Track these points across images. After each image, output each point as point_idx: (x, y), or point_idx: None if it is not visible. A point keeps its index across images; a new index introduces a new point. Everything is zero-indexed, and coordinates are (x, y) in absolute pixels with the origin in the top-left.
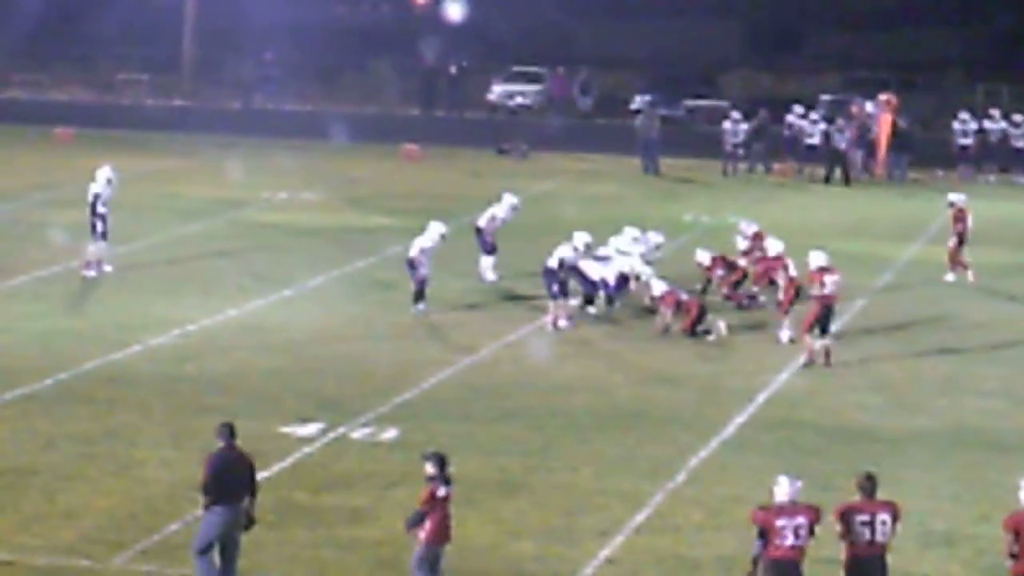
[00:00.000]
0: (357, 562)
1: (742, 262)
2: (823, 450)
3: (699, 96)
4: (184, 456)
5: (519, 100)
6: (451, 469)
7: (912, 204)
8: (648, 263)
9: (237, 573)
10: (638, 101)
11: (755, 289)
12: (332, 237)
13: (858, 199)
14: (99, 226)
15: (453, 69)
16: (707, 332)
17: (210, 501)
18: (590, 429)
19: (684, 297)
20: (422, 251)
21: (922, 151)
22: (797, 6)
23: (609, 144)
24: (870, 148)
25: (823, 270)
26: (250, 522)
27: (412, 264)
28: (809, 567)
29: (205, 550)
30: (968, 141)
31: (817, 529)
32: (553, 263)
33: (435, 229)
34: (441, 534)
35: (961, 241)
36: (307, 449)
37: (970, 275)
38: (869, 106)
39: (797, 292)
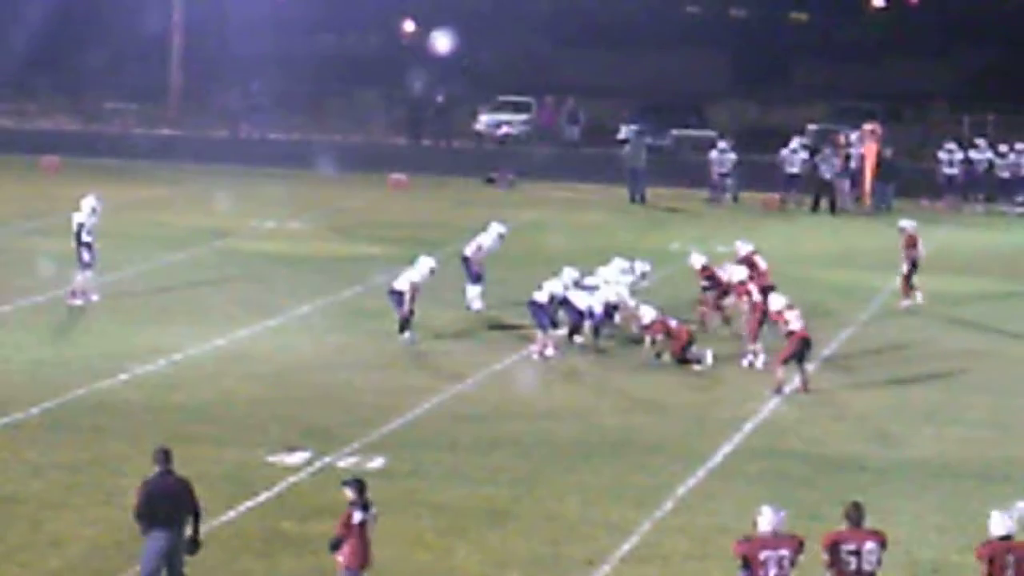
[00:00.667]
0: None
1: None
2: (810, 479)
3: (686, 126)
4: None
5: (506, 129)
6: (369, 495)
7: (896, 234)
8: (635, 292)
9: None
10: (625, 130)
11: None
12: (319, 266)
13: (844, 228)
14: (85, 255)
15: (440, 98)
16: (697, 361)
17: (145, 527)
18: (577, 458)
19: (673, 324)
20: (412, 285)
21: (908, 181)
22: (784, 37)
23: (596, 173)
24: (855, 178)
25: (784, 310)
26: (195, 546)
27: (397, 295)
28: None
29: None
30: (954, 171)
31: (801, 558)
32: (542, 297)
33: (425, 264)
34: (359, 559)
35: (914, 266)
36: (294, 478)
37: (919, 297)
38: (853, 136)
39: (763, 317)
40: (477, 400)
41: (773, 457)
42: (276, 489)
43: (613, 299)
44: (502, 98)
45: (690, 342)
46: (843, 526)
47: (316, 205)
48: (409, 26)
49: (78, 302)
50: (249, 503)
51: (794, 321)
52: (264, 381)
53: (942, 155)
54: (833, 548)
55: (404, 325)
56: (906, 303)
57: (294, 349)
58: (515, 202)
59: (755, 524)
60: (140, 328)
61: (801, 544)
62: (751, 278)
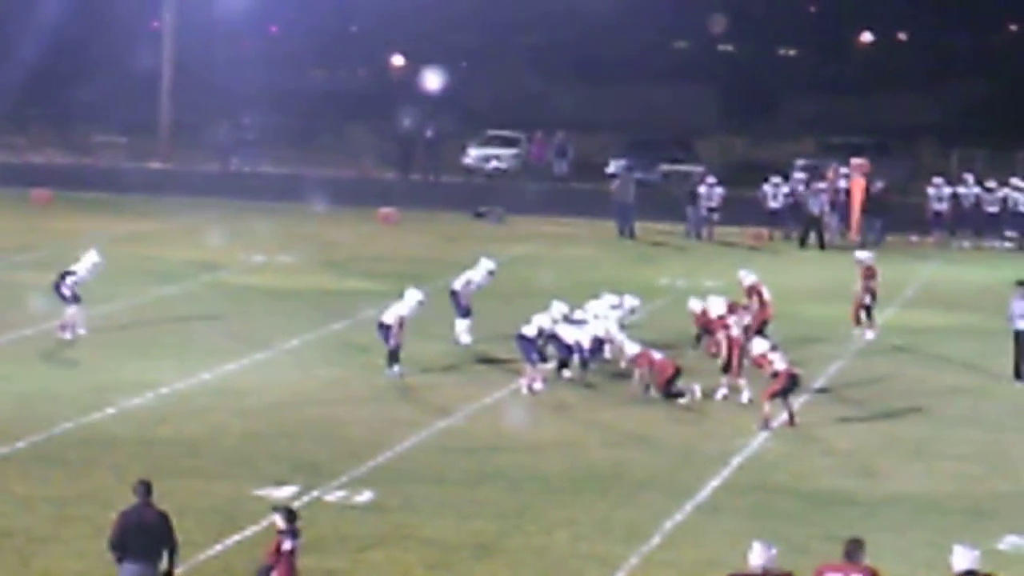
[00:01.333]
0: None
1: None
2: (798, 514)
3: (675, 161)
4: None
5: (495, 164)
6: (299, 523)
7: (886, 269)
8: (623, 327)
9: None
10: (614, 165)
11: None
12: (308, 300)
13: (833, 263)
14: (66, 292)
15: (429, 133)
16: (680, 395)
17: (119, 557)
18: (565, 492)
19: (658, 357)
20: (400, 319)
21: (896, 216)
22: (773, 72)
23: (585, 208)
24: (843, 212)
25: (767, 352)
26: None
27: (385, 329)
28: None
29: None
30: (942, 206)
31: None
32: (531, 331)
33: (412, 296)
34: None
35: (872, 297)
36: None
37: (871, 334)
38: (842, 171)
39: (741, 353)
40: (465, 434)
41: (761, 492)
42: (264, 523)
43: (601, 334)
44: (491, 133)
45: (675, 376)
46: (839, 561)
47: (305, 239)
48: (398, 61)
49: (68, 335)
50: (236, 537)
51: (778, 361)
52: (252, 415)
53: (930, 190)
54: None
55: (393, 359)
56: (870, 335)
57: (283, 383)
58: (504, 236)
59: (747, 559)
60: (129, 361)
61: None
62: (745, 308)
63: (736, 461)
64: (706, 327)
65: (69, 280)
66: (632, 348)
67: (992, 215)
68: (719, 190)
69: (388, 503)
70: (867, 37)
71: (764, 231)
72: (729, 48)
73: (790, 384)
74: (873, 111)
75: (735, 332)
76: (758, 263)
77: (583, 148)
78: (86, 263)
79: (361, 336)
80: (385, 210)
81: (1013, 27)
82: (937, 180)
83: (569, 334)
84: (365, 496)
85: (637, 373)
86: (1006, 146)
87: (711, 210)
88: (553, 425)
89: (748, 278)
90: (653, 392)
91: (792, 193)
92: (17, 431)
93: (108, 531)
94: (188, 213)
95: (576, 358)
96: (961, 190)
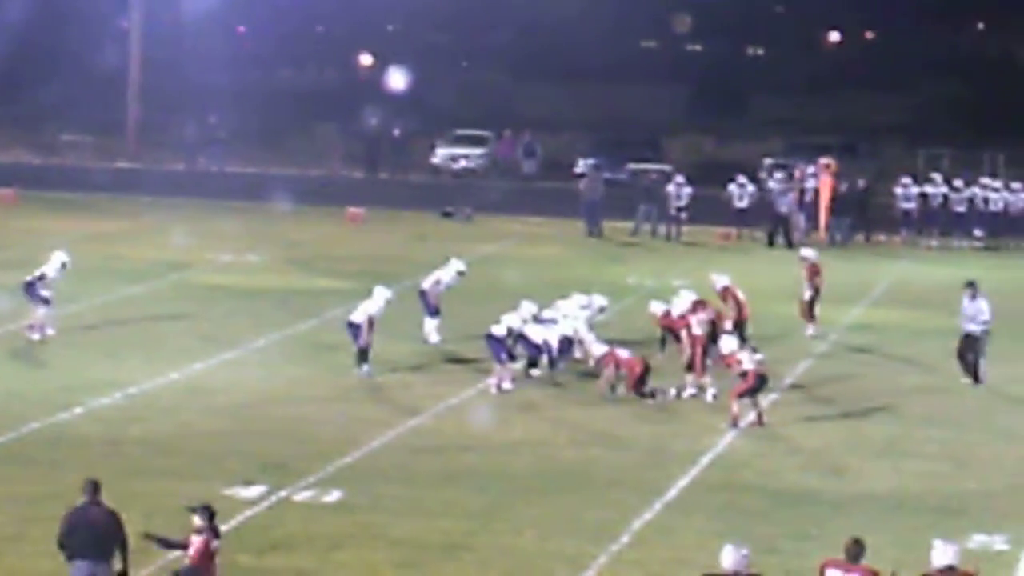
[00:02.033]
0: None
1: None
2: (767, 513)
3: (643, 159)
4: (127, 518)
5: (463, 163)
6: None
7: (854, 268)
8: (591, 327)
9: None
10: (582, 164)
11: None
12: (276, 299)
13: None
14: (44, 294)
15: (397, 132)
16: (652, 395)
17: (67, 556)
18: (534, 491)
19: (625, 356)
20: (369, 317)
21: (858, 215)
22: (740, 71)
23: (553, 207)
24: (810, 212)
25: (736, 351)
26: None
27: (354, 328)
28: None
29: None
30: (910, 205)
31: None
32: (500, 331)
33: (380, 294)
34: None
35: (816, 294)
36: (250, 511)
37: (811, 329)
38: (811, 169)
39: (705, 350)
40: (434, 433)
41: (729, 491)
42: (233, 523)
43: (569, 333)
44: (459, 132)
45: (645, 373)
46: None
47: (273, 238)
48: (366, 60)
49: (36, 336)
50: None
51: (747, 361)
52: (221, 414)
53: (898, 190)
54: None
55: (362, 358)
56: (811, 331)
57: (251, 382)
58: (472, 236)
59: (717, 559)
60: (97, 361)
61: None
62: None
63: (705, 460)
64: (669, 328)
65: (40, 283)
66: (599, 349)
67: (960, 214)
68: (687, 189)
69: (357, 502)
70: (835, 36)
71: (732, 231)
72: (697, 47)
73: (758, 384)
74: (841, 110)
75: (697, 331)
76: (726, 262)
77: (551, 147)
78: (54, 263)
79: (329, 335)
80: (352, 209)
81: (980, 26)
82: (905, 179)
83: (537, 334)
84: (334, 496)
85: (604, 373)
86: (973, 145)
87: (679, 209)
88: (522, 424)
89: (721, 281)
90: (621, 391)
91: (764, 190)
92: None
93: None
94: (155, 212)
95: (545, 358)
96: (929, 189)
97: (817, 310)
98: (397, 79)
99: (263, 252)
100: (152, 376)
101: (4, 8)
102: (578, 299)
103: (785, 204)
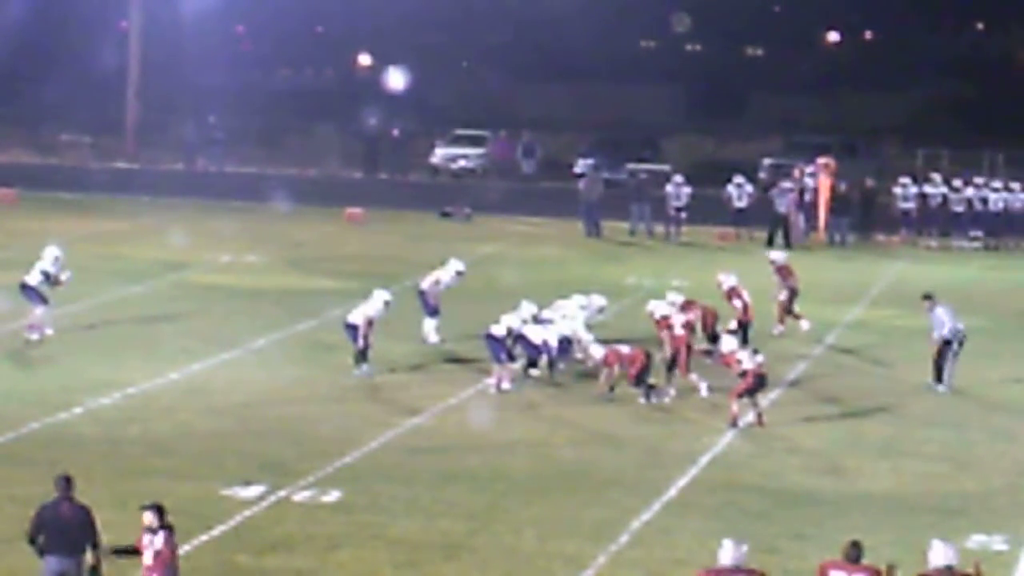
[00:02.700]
0: None
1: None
2: (765, 513)
3: (641, 160)
4: (126, 518)
5: (462, 163)
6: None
7: (853, 267)
8: (590, 327)
9: None
10: (581, 164)
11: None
12: (275, 299)
13: (800, 262)
14: (34, 294)
15: (396, 132)
16: (648, 394)
17: (38, 552)
18: (533, 491)
19: (626, 351)
20: (367, 319)
21: (863, 215)
22: (739, 71)
23: (552, 207)
24: (809, 212)
25: (736, 351)
26: (95, 573)
27: (352, 329)
28: None
29: None
30: (909, 205)
31: None
32: (500, 331)
33: (379, 297)
34: None
35: (793, 294)
36: (249, 511)
37: (805, 324)
38: (808, 170)
39: (689, 349)
40: (433, 433)
41: (728, 491)
42: (232, 522)
43: (568, 333)
44: (458, 132)
45: (647, 364)
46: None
47: (272, 239)
48: (365, 60)
49: (35, 336)
50: (204, 536)
51: (747, 360)
52: (220, 414)
53: (897, 190)
54: None
55: (360, 358)
56: (779, 329)
57: (250, 382)
58: (471, 236)
59: (717, 557)
60: (96, 361)
61: None
62: (692, 303)
63: (704, 460)
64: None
65: (39, 278)
66: (598, 351)
67: (958, 214)
68: (686, 189)
69: (356, 502)
70: (833, 36)
71: (731, 231)
72: (696, 47)
73: (757, 384)
74: (840, 110)
75: (678, 331)
76: (725, 263)
77: (550, 147)
78: (48, 259)
79: (328, 336)
80: (351, 209)
81: (980, 26)
82: (904, 179)
83: (536, 334)
84: (333, 496)
85: (604, 373)
86: (973, 145)
87: (678, 209)
88: (521, 425)
89: (728, 281)
90: (618, 391)
91: (766, 191)
92: None
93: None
94: (154, 213)
95: (544, 358)
96: (928, 189)
97: (797, 308)
98: (396, 79)
99: (262, 252)
100: (151, 376)
101: (3, 8)
102: (578, 299)
103: (784, 204)
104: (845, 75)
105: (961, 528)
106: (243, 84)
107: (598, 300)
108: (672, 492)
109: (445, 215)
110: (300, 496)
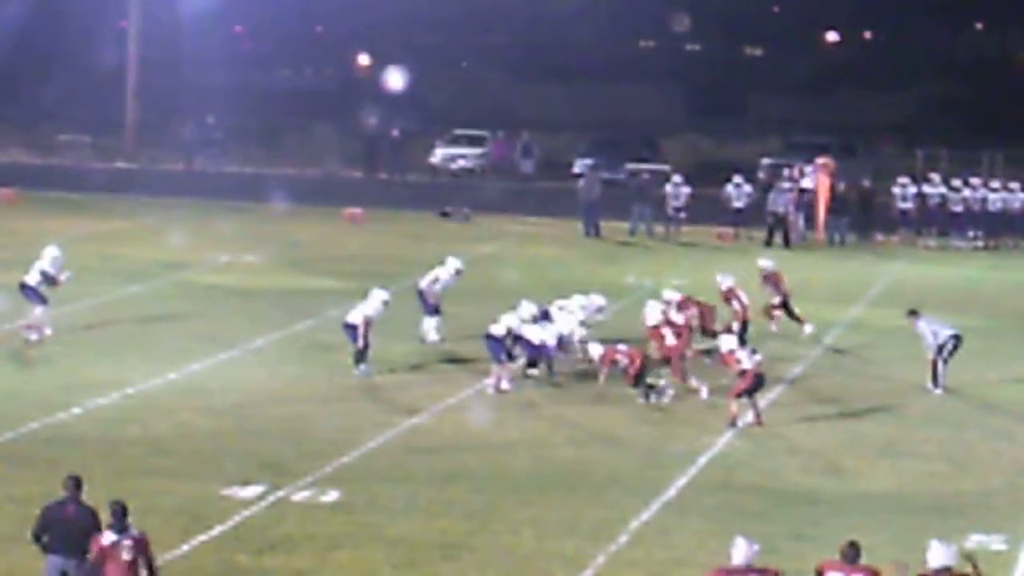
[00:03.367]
0: None
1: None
2: (765, 513)
3: (641, 160)
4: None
5: (461, 163)
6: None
7: (852, 267)
8: (589, 326)
9: None
10: (580, 165)
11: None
12: (274, 299)
13: (798, 262)
14: (33, 294)
15: (395, 132)
16: (647, 393)
17: (42, 550)
18: (532, 491)
19: (624, 350)
20: (365, 318)
21: (861, 215)
22: (739, 71)
23: (551, 207)
24: (808, 212)
25: (735, 350)
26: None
27: (351, 329)
28: None
29: None
30: (908, 205)
31: None
32: (499, 330)
33: (377, 296)
34: None
35: (786, 298)
36: (248, 511)
37: (808, 328)
38: (807, 169)
39: (682, 356)
40: (432, 433)
41: (728, 491)
42: (230, 522)
43: (566, 332)
44: (458, 132)
45: (645, 364)
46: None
47: (271, 238)
48: (364, 60)
49: (34, 336)
50: (203, 536)
51: (746, 360)
52: (218, 414)
53: (896, 190)
54: None
55: (359, 358)
56: (774, 328)
57: (249, 382)
58: (470, 236)
59: (729, 556)
60: (95, 361)
61: None
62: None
63: (703, 460)
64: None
65: (38, 278)
66: (596, 350)
67: (957, 214)
68: (685, 189)
69: (355, 502)
70: (833, 36)
71: (729, 231)
72: (695, 47)
73: (756, 383)
74: (839, 110)
75: (669, 341)
76: (724, 263)
77: (549, 147)
78: (47, 259)
79: (327, 336)
80: (351, 209)
81: (980, 26)
82: (903, 179)
83: (535, 334)
84: (332, 495)
85: (603, 372)
86: (972, 145)
87: (677, 209)
88: (520, 424)
89: (726, 282)
90: (616, 391)
91: (753, 192)
92: None
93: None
94: (153, 212)
95: (543, 358)
96: (927, 189)
97: (798, 311)
98: (395, 79)
99: (261, 252)
100: (150, 376)
101: (3, 8)
102: (578, 300)
103: (783, 204)
104: (844, 75)
105: (960, 528)
106: (242, 84)
107: (597, 300)
108: (671, 492)
109: (444, 215)
110: (299, 496)
